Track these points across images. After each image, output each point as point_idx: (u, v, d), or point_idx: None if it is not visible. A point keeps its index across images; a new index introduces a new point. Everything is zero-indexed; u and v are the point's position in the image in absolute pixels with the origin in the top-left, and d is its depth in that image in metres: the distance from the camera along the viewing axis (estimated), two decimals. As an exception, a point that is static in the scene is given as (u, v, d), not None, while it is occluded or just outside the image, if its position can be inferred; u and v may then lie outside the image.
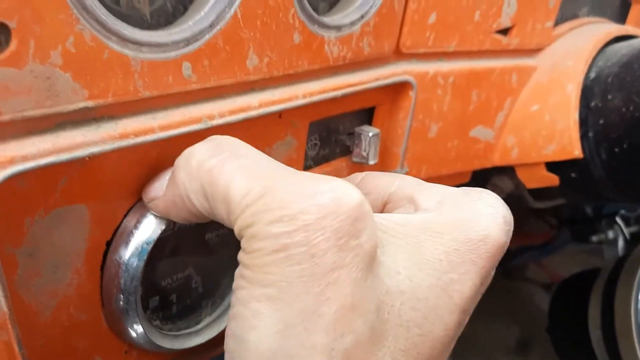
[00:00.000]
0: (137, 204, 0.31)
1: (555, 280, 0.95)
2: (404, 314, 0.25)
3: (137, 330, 0.32)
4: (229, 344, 0.25)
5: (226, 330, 0.26)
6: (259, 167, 0.26)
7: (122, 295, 0.31)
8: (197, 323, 0.38)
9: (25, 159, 0.24)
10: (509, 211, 0.29)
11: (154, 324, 0.34)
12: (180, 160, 0.27)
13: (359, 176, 0.33)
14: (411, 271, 0.26)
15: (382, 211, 0.31)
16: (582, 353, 0.70)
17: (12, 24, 0.23)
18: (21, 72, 0.24)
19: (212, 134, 0.33)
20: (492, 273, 0.29)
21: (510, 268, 1.04)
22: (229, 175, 0.25)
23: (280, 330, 0.24)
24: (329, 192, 0.24)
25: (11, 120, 0.24)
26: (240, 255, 0.25)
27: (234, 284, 0.26)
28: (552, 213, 0.86)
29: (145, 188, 0.31)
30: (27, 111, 0.24)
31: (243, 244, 0.25)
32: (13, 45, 0.23)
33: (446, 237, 0.27)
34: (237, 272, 0.26)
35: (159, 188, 0.30)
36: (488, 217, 0.28)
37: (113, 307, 0.32)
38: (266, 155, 0.27)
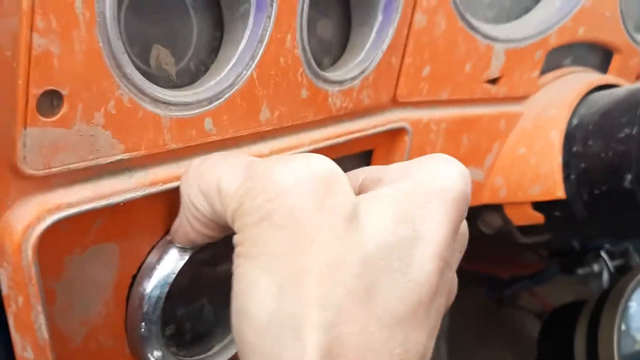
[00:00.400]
0: (160, 241, 0.35)
1: (547, 309, 0.98)
2: (392, 264, 0.26)
3: (157, 356, 0.36)
4: (233, 321, 0.27)
5: (231, 309, 0.28)
6: (243, 161, 0.30)
7: (144, 324, 0.35)
8: (209, 349, 0.41)
9: (70, 206, 0.28)
10: (463, 167, 0.31)
11: (171, 350, 0.38)
12: (182, 179, 0.32)
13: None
14: (394, 225, 0.27)
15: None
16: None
17: (64, 92, 0.27)
18: (69, 132, 0.27)
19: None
20: (464, 225, 0.31)
21: (504, 297, 1.07)
22: (217, 172, 0.29)
23: (274, 293, 0.25)
24: (301, 161, 0.27)
25: (58, 173, 0.28)
26: (235, 238, 0.28)
27: (233, 268, 0.28)
28: (543, 245, 0.90)
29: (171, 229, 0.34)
30: (72, 164, 0.28)
31: (235, 227, 0.28)
32: (64, 109, 0.27)
33: (414, 194, 0.28)
34: (234, 254, 0.28)
35: (176, 222, 0.33)
36: (444, 171, 0.30)
37: (136, 335, 0.35)
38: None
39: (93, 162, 0.29)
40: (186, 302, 0.40)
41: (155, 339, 0.35)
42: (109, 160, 0.29)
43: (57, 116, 0.27)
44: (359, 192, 0.32)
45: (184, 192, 0.31)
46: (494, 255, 0.96)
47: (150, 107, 0.30)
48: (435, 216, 0.28)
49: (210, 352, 0.41)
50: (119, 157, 0.30)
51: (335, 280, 0.25)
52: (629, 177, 0.48)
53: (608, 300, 0.69)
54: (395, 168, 0.31)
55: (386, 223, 0.27)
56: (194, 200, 0.30)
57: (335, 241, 0.26)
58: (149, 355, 0.36)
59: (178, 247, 0.34)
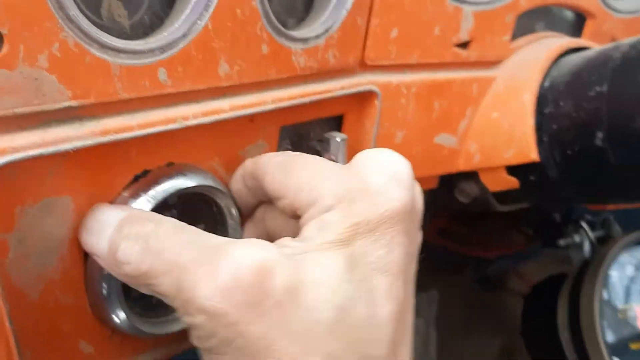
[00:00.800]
0: (118, 198, 0.34)
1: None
2: (359, 314, 0.27)
3: (119, 316, 0.35)
4: None
5: None
6: (171, 256, 0.29)
7: (104, 284, 0.34)
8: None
9: (15, 150, 0.28)
10: (398, 157, 0.31)
11: (135, 311, 0.37)
12: (115, 248, 0.30)
13: (260, 171, 0.35)
14: (343, 273, 0.28)
15: (296, 216, 0.33)
16: (555, 356, 0.72)
17: (4, 31, 0.26)
18: (12, 73, 0.27)
19: (188, 135, 0.36)
20: (414, 222, 0.31)
21: (489, 278, 1.07)
22: (156, 281, 0.29)
23: None
24: (226, 271, 0.26)
25: (3, 116, 0.27)
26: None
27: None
28: (526, 223, 0.89)
29: (84, 237, 0.32)
30: (17, 108, 0.28)
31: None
32: (5, 49, 0.26)
33: (354, 221, 0.29)
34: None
35: (97, 246, 0.31)
36: (379, 183, 0.30)
37: (96, 293, 0.34)
38: (182, 227, 0.31)
39: (39, 108, 0.28)
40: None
41: (117, 298, 0.35)
42: (56, 107, 0.29)
43: (-2, 56, 0.26)
44: (294, 210, 0.32)
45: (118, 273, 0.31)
46: (479, 236, 0.96)
47: (98, 53, 0.30)
48: (396, 245, 0.29)
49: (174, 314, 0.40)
50: (66, 103, 0.29)
51: None
52: (600, 135, 0.48)
53: (589, 270, 0.69)
54: (330, 188, 0.30)
55: (335, 283, 0.27)
56: (141, 289, 0.31)
57: (293, 335, 0.26)
58: (113, 316, 0.35)
59: (142, 198, 0.34)
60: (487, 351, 1.13)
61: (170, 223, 0.31)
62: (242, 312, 0.26)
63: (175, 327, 0.38)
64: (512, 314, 1.15)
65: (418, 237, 0.32)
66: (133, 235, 0.30)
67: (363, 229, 0.28)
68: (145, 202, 0.34)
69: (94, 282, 0.34)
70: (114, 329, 0.36)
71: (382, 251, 0.28)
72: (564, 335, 0.70)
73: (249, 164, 0.38)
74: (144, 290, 0.31)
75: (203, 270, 0.27)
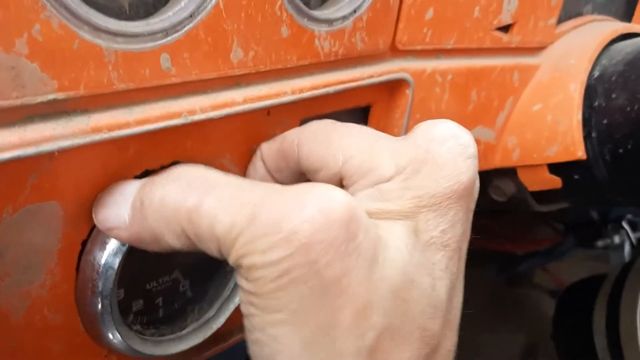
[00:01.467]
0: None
1: (561, 287, 0.94)
2: (422, 283, 0.26)
3: (114, 335, 0.31)
4: None
5: (250, 352, 0.27)
6: (236, 193, 0.26)
7: (98, 299, 0.30)
8: (182, 329, 0.36)
9: (-12, 152, 0.23)
10: (463, 131, 0.30)
11: (133, 328, 0.33)
12: (151, 204, 0.27)
13: (293, 146, 0.33)
14: (412, 239, 0.27)
15: (340, 186, 0.30)
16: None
17: (-28, 10, 0.22)
18: (-17, 61, 0.22)
19: (196, 130, 0.32)
20: (474, 199, 0.30)
21: (517, 275, 1.02)
22: (209, 213, 0.25)
23: (304, 348, 0.25)
24: (314, 204, 0.24)
25: (-26, 112, 0.23)
26: (243, 283, 0.26)
27: (243, 309, 0.26)
28: (559, 218, 0.85)
29: (99, 213, 0.29)
30: (-9, 102, 0.23)
31: (243, 272, 0.25)
32: (-27, 32, 0.22)
33: (421, 193, 0.28)
34: (243, 298, 0.26)
35: (118, 217, 0.28)
36: (448, 155, 0.28)
37: (89, 311, 0.30)
38: (237, 176, 0.28)
39: (18, 102, 0.24)
40: (155, 275, 0.35)
41: (111, 316, 0.31)
42: (39, 100, 0.24)
43: (-36, 41, 0.22)
44: (341, 178, 0.31)
45: (153, 221, 0.27)
46: (507, 230, 0.91)
47: (88, 36, 0.25)
48: (454, 218, 0.28)
49: (184, 332, 0.36)
50: (51, 96, 0.25)
51: (365, 326, 0.25)
52: (658, 132, 0.43)
53: (630, 274, 0.64)
54: (386, 158, 0.29)
55: (404, 249, 0.26)
56: (168, 237, 0.27)
57: (362, 286, 0.25)
58: (107, 334, 0.31)
59: None
60: (511, 348, 1.09)
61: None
62: (326, 250, 0.24)
63: (176, 349, 0.34)
64: (537, 311, 1.10)
65: (472, 211, 0.31)
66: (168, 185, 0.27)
67: (426, 202, 0.28)
68: None
69: (86, 297, 0.30)
70: (110, 348, 0.32)
71: (445, 226, 0.28)
72: (600, 340, 0.65)
73: (267, 145, 0.35)
74: (175, 242, 0.27)
75: (286, 202, 0.25)
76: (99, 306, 0.30)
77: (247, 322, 0.26)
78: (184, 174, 0.28)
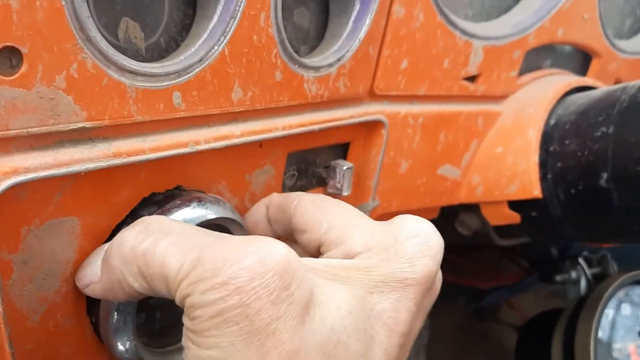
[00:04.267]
0: (127, 220, 0.34)
1: (525, 321, 0.98)
2: (350, 346, 0.27)
3: (128, 347, 0.34)
4: None
5: None
6: (187, 240, 0.28)
7: (117, 314, 0.33)
8: (179, 341, 0.39)
9: (27, 170, 0.27)
10: (435, 234, 0.32)
11: (142, 340, 0.36)
12: (113, 248, 0.30)
13: (292, 204, 0.36)
14: (349, 305, 0.28)
15: (317, 251, 0.34)
16: (547, 391, 0.72)
17: (24, 50, 0.26)
18: (29, 93, 0.26)
19: (198, 158, 0.36)
20: (429, 297, 0.32)
21: (482, 309, 1.06)
22: (161, 254, 0.28)
23: None
24: (253, 253, 0.26)
25: (17, 136, 0.27)
26: (184, 320, 0.28)
27: (183, 342, 0.28)
28: (522, 255, 0.89)
29: (78, 274, 0.32)
30: (32, 128, 0.27)
31: (185, 311, 0.27)
32: (24, 68, 0.26)
33: (374, 272, 0.30)
34: (184, 332, 0.28)
35: (92, 273, 0.31)
36: (411, 248, 0.31)
37: (107, 325, 0.33)
38: (192, 225, 0.31)
39: (54, 128, 0.28)
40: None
41: (128, 329, 0.34)
42: (70, 127, 0.28)
43: (16, 75, 0.26)
44: (319, 244, 0.33)
45: (115, 265, 0.29)
46: (474, 267, 0.96)
47: (115, 75, 0.29)
48: (400, 302, 0.29)
49: (180, 344, 0.39)
50: (81, 124, 0.29)
51: None
52: (604, 175, 0.48)
53: (585, 308, 0.68)
54: (361, 234, 0.32)
55: (336, 311, 0.28)
56: (130, 279, 0.29)
57: (292, 334, 0.26)
58: (119, 344, 0.34)
59: None
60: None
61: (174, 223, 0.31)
62: (258, 295, 0.26)
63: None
64: (503, 345, 1.14)
65: (427, 309, 0.33)
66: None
67: (376, 280, 0.30)
68: None
69: (105, 312, 0.33)
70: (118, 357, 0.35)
71: (388, 307, 0.29)
72: (558, 371, 0.69)
73: (276, 196, 0.38)
74: (135, 284, 0.29)
75: (230, 250, 0.26)
76: (118, 321, 0.33)
77: (184, 354, 0.28)
78: (145, 220, 0.30)
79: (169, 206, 0.34)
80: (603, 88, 0.55)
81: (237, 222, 0.36)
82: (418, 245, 0.31)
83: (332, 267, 0.30)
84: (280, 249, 0.27)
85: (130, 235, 0.29)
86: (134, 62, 0.30)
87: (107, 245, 0.31)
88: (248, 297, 0.25)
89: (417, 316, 0.31)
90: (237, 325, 0.25)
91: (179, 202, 0.34)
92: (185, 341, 0.28)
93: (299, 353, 0.26)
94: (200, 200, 0.34)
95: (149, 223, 0.30)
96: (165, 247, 0.28)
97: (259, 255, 0.26)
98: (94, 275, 0.31)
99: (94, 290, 0.31)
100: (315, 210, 0.34)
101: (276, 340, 0.26)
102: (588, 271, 0.72)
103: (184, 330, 0.28)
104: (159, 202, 0.35)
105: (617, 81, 0.65)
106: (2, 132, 0.26)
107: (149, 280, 0.28)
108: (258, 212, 0.39)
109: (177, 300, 0.28)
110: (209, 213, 0.34)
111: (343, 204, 0.35)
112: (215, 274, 0.26)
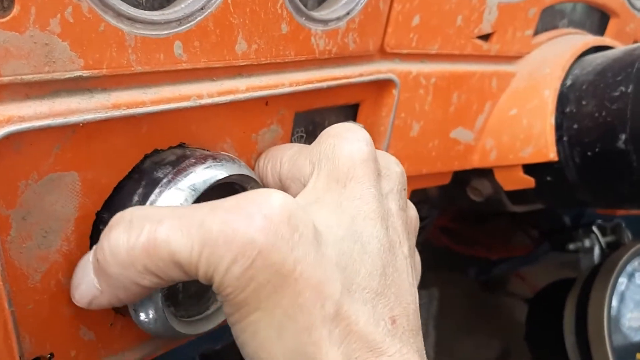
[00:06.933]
0: (131, 176, 0.32)
1: (535, 292, 0.97)
2: (353, 252, 0.30)
3: (151, 315, 0.32)
4: None
5: (241, 351, 0.30)
6: (182, 219, 0.27)
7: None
8: (205, 310, 0.38)
9: (22, 119, 0.26)
10: (359, 129, 0.34)
11: (169, 309, 0.34)
12: (105, 256, 0.28)
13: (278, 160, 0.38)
14: (336, 220, 0.30)
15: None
16: (558, 359, 0.71)
17: (15, -10, 0.24)
18: (22, 37, 0.25)
19: (202, 114, 0.35)
20: (388, 182, 0.34)
21: (492, 279, 1.05)
22: (164, 243, 0.27)
23: (278, 335, 0.28)
24: (258, 212, 0.27)
25: (10, 83, 0.26)
26: (219, 298, 0.28)
27: (227, 319, 0.29)
28: (534, 224, 0.88)
29: (74, 295, 0.31)
30: (26, 75, 0.26)
31: (215, 290, 0.28)
32: (15, 10, 0.25)
33: (330, 175, 0.32)
34: (224, 310, 0.29)
35: (90, 289, 0.30)
36: (344, 149, 0.32)
37: None
38: (172, 206, 0.31)
39: (49, 76, 0.27)
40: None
41: (156, 297, 0.32)
42: (66, 76, 0.27)
43: (8, 17, 0.24)
44: (280, 186, 0.36)
45: (115, 274, 0.28)
46: (484, 236, 0.94)
47: (112, 21, 0.28)
48: (357, 194, 0.31)
49: (209, 312, 0.38)
50: (77, 73, 0.27)
51: (324, 299, 0.27)
52: (623, 136, 0.46)
53: (598, 276, 0.67)
54: (307, 163, 0.34)
55: (333, 223, 0.30)
56: (138, 280, 0.28)
57: (313, 268, 0.27)
58: (141, 313, 0.32)
59: (183, 192, 0.31)
60: (485, 352, 1.12)
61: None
62: (278, 249, 0.27)
63: (207, 327, 0.36)
64: (512, 317, 1.13)
65: (397, 193, 0.34)
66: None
67: (334, 186, 0.32)
68: (188, 194, 0.31)
69: None
70: (117, 316, 0.34)
71: (357, 202, 0.31)
72: (570, 341, 0.68)
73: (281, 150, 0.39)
74: (144, 282, 0.28)
75: (234, 216, 0.27)
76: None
77: (233, 330, 0.29)
78: (124, 216, 0.29)
79: (184, 165, 0.32)
80: (621, 47, 0.53)
81: (254, 179, 0.35)
82: (348, 138, 0.33)
83: (305, 199, 0.32)
84: (278, 197, 0.28)
85: (119, 237, 0.28)
86: (132, 9, 0.29)
87: (89, 256, 0.30)
88: (270, 255, 0.26)
89: (381, 198, 0.32)
90: (270, 282, 0.27)
91: (194, 160, 0.33)
92: (228, 318, 0.29)
93: (324, 281, 0.28)
94: (215, 158, 0.33)
95: (131, 217, 0.28)
96: (165, 234, 0.27)
97: (263, 212, 0.27)
98: (92, 290, 0.30)
99: (100, 304, 0.30)
100: (277, 149, 0.38)
101: (303, 280, 0.27)
102: (602, 239, 0.70)
103: (224, 308, 0.29)
104: (173, 162, 0.33)
105: (635, 42, 0.63)
106: (-6, 79, 0.25)
107: (159, 274, 0.28)
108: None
109: (202, 280, 0.28)
110: (228, 170, 0.33)
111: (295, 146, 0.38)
112: (230, 247, 0.26)
